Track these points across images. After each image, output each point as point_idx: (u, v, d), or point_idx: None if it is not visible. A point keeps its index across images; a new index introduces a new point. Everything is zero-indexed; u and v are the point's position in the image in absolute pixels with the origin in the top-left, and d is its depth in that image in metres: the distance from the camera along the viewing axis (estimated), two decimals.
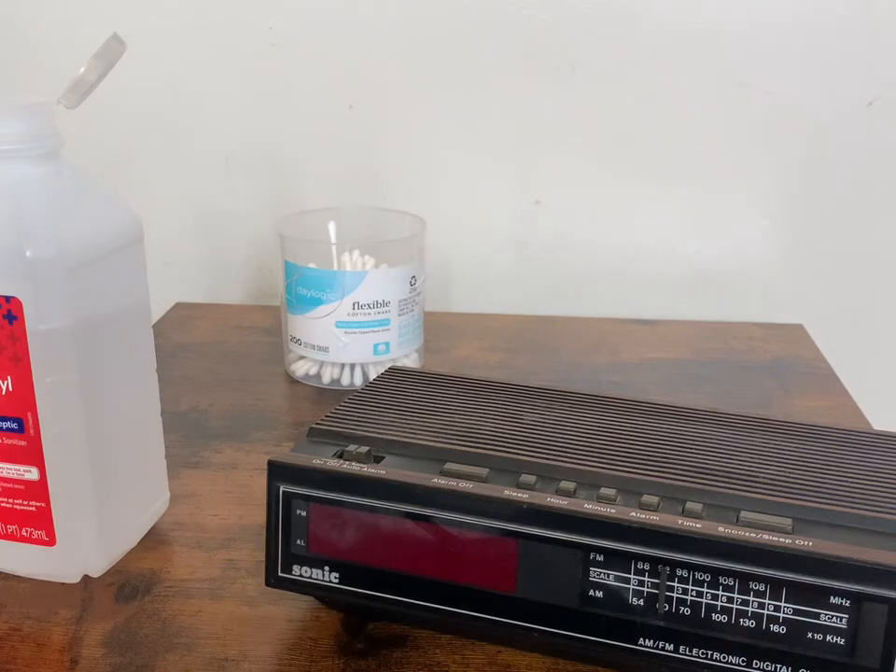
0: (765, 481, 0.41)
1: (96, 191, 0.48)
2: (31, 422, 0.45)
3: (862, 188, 0.84)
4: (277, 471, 0.42)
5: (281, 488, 0.42)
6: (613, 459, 0.42)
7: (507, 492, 0.39)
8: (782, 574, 0.35)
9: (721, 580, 0.36)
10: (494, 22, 0.83)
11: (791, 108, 0.83)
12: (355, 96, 0.86)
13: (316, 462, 0.42)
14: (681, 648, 0.37)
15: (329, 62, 0.85)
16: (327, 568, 0.42)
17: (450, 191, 0.87)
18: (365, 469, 0.41)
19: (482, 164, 0.87)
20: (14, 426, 0.45)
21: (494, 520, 0.39)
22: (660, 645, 0.37)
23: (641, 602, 0.37)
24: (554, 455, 0.43)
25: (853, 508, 0.39)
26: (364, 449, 0.43)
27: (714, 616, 0.37)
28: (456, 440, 0.44)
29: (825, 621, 0.35)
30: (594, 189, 0.87)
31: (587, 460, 0.42)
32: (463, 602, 0.40)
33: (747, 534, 0.36)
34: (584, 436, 0.45)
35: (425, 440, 0.44)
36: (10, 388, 0.44)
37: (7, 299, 0.43)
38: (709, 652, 0.37)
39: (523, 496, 0.39)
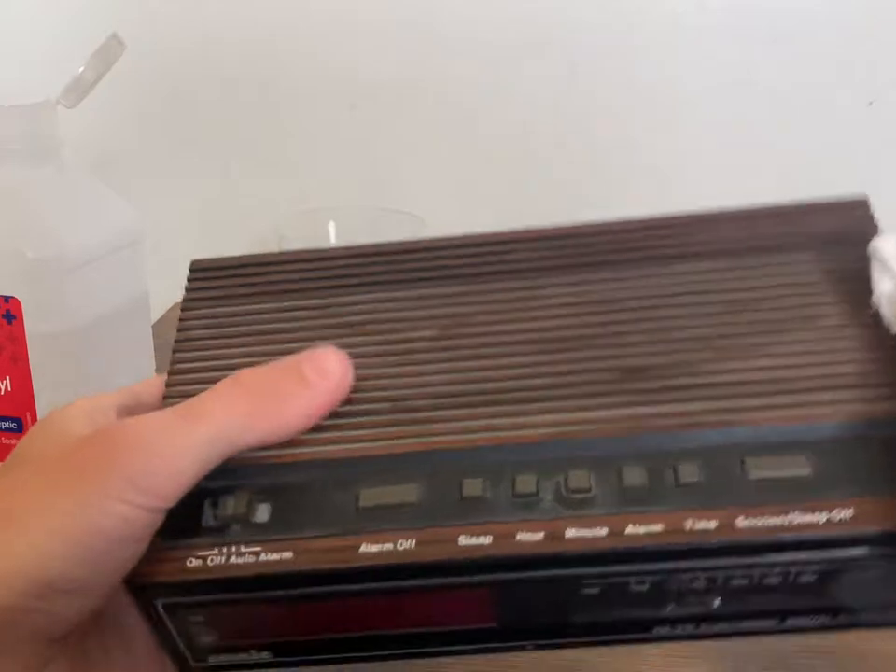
0: (749, 382, 0.30)
1: (96, 191, 0.48)
2: (30, 422, 0.45)
3: (862, 188, 0.84)
4: (142, 591, 0.29)
5: (160, 603, 0.29)
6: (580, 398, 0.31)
7: (460, 540, 0.28)
8: (822, 556, 0.29)
9: (743, 573, 0.29)
10: (493, 21, 0.83)
11: (790, 108, 0.83)
12: (355, 96, 0.86)
13: (192, 563, 0.28)
14: (701, 626, 0.31)
15: (330, 61, 0.85)
16: (252, 651, 0.32)
17: (450, 191, 0.87)
18: (259, 561, 0.28)
19: (482, 164, 0.87)
20: (13, 426, 0.45)
21: (451, 577, 0.29)
22: (676, 631, 0.31)
23: (646, 611, 0.31)
24: (493, 414, 0.31)
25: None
26: (242, 499, 0.29)
27: (734, 601, 0.30)
28: (346, 424, 0.31)
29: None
30: (594, 188, 0.86)
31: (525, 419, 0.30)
32: (436, 641, 0.32)
33: (773, 521, 0.28)
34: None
35: (307, 444, 0.30)
36: (9, 388, 0.44)
37: (7, 299, 0.43)
38: (733, 623, 0.31)
39: (480, 541, 0.28)
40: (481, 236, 0.38)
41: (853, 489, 0.28)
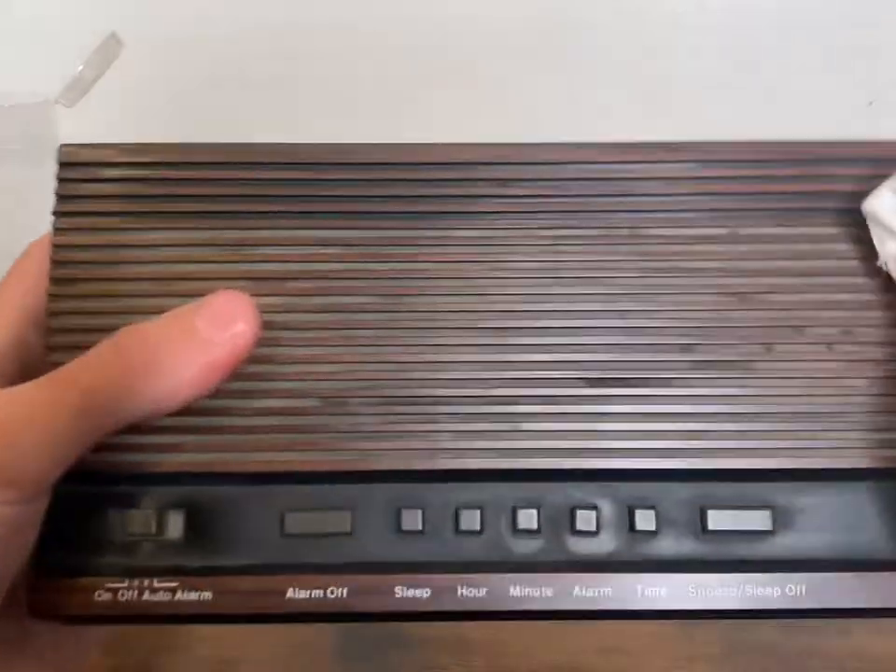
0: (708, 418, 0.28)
1: None
2: None
3: None
4: (47, 618, 0.26)
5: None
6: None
7: (396, 592, 0.26)
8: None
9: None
10: (491, 22, 0.83)
11: (790, 108, 0.83)
12: (357, 95, 0.86)
13: (100, 597, 0.25)
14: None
15: (333, 60, 0.85)
16: None
17: None
18: (175, 601, 0.25)
19: None
20: None
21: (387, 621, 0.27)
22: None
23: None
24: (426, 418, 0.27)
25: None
26: (153, 513, 0.26)
27: None
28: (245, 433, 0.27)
29: None
30: None
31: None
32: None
33: (727, 591, 0.27)
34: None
35: (225, 450, 0.27)
36: None
37: None
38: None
39: (418, 594, 0.26)
40: (449, 151, 0.33)
41: (811, 558, 0.27)
